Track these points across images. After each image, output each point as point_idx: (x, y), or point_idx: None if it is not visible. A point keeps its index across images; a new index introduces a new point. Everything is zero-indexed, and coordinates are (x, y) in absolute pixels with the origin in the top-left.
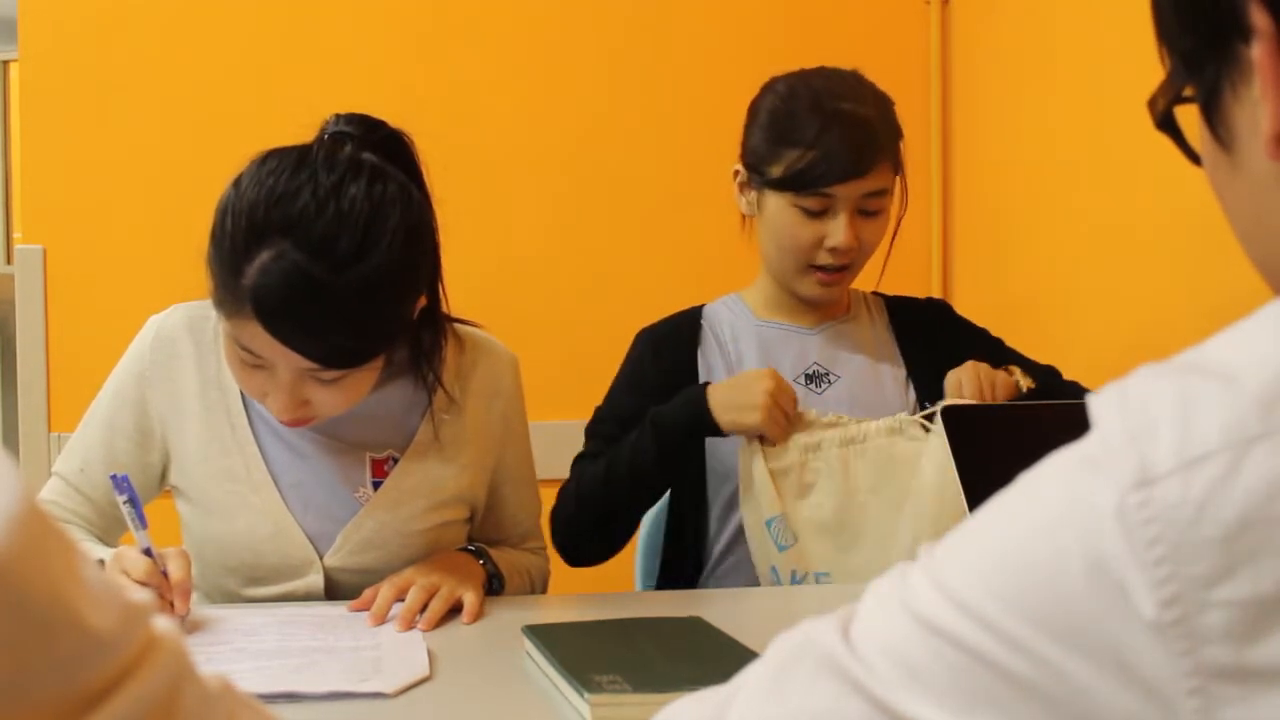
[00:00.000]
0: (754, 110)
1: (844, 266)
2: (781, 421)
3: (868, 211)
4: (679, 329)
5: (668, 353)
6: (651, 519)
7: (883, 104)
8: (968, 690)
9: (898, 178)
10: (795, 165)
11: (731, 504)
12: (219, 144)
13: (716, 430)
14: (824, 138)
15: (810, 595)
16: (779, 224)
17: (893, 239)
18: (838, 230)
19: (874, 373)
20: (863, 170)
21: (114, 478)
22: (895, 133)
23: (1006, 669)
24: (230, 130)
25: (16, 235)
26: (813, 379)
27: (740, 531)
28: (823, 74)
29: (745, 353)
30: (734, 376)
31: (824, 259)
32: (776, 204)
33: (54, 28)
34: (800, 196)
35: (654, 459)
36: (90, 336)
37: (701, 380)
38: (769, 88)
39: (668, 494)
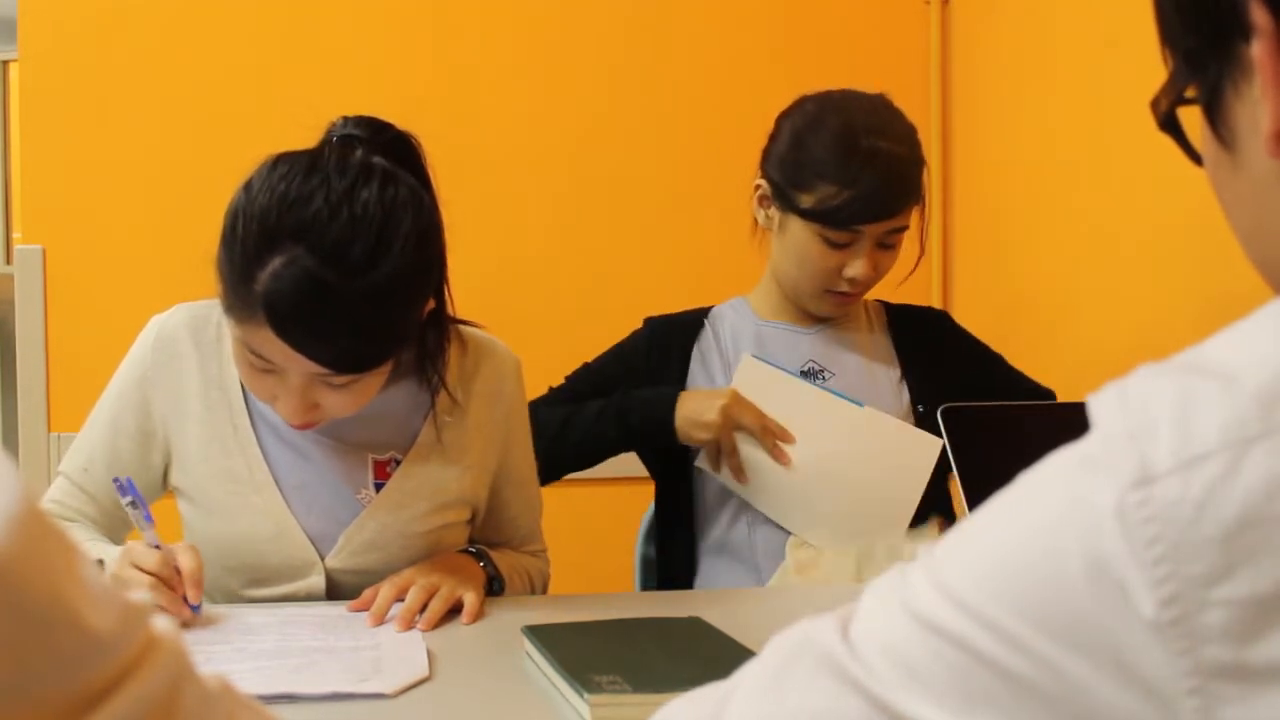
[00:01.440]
0: (782, 131)
1: (860, 291)
2: (730, 441)
3: (887, 244)
4: (682, 322)
5: (665, 341)
6: (649, 520)
7: (912, 137)
8: (967, 690)
9: (918, 207)
10: (828, 201)
11: (720, 498)
12: (219, 144)
13: (674, 438)
14: (860, 179)
15: (810, 595)
16: (802, 250)
17: (917, 262)
18: (858, 263)
19: (869, 371)
20: (894, 212)
21: (116, 481)
22: (921, 166)
23: (1006, 668)
24: (230, 130)
25: (16, 235)
26: (808, 376)
27: (731, 524)
28: (854, 102)
29: (743, 351)
30: (706, 390)
31: (842, 286)
32: (802, 231)
33: (54, 28)
34: (828, 229)
35: (610, 442)
36: (90, 336)
37: (691, 372)
38: (798, 108)
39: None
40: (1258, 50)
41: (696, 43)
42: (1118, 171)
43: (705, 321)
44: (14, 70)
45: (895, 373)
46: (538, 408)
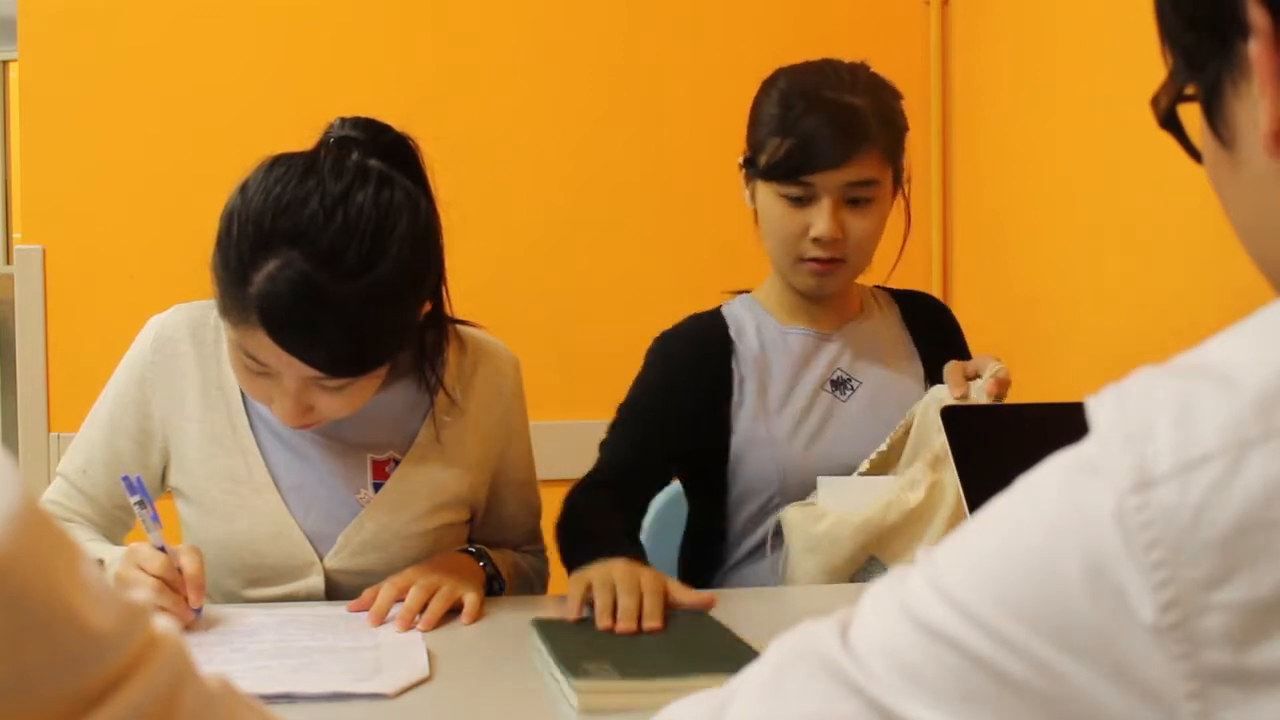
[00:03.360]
0: (754, 103)
1: (835, 259)
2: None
3: (855, 200)
4: (709, 335)
5: (702, 358)
6: (652, 520)
7: (878, 94)
8: (965, 693)
9: (899, 191)
10: (775, 154)
11: (755, 519)
12: (219, 143)
13: None
14: (801, 125)
15: (814, 595)
16: (767, 213)
17: (902, 248)
18: (820, 219)
19: (894, 377)
20: (840, 159)
21: (125, 479)
22: (890, 123)
23: (1004, 672)
24: (230, 130)
25: (16, 235)
26: (837, 385)
27: (761, 542)
28: (821, 66)
29: (774, 363)
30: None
31: (811, 250)
32: (765, 193)
33: (54, 28)
34: (783, 185)
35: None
36: (90, 336)
37: (735, 389)
38: (770, 81)
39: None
40: (1255, 49)
41: (696, 43)
42: (1118, 171)
43: (730, 332)
44: (14, 70)
45: (918, 370)
46: (583, 494)
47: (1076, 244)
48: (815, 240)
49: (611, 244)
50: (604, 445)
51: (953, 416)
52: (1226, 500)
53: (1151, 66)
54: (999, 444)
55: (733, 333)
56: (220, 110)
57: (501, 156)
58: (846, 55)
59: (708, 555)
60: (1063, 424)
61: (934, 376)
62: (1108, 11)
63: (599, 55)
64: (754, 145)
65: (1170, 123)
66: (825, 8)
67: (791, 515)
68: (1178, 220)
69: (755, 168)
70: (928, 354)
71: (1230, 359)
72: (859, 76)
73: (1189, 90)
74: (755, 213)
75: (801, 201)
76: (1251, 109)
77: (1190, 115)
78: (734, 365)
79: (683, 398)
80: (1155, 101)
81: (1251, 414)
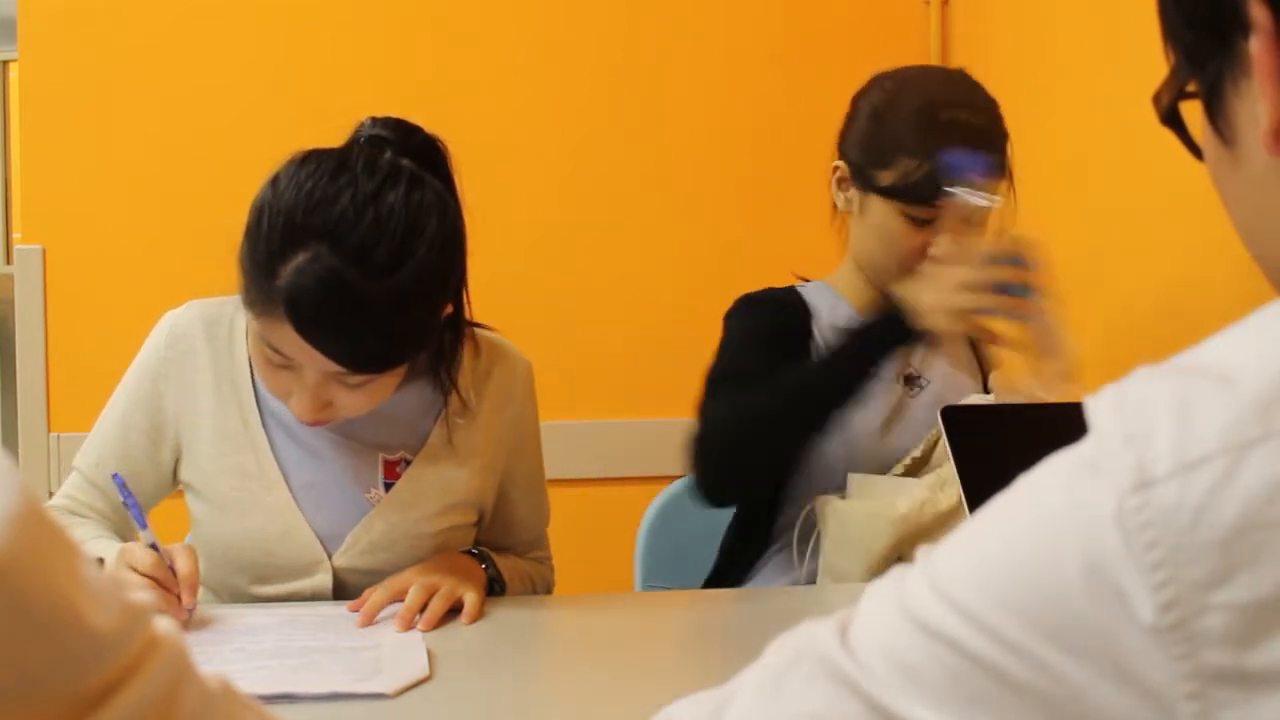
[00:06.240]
0: (859, 110)
1: None
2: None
3: (975, 220)
4: (792, 307)
5: (786, 327)
6: (654, 518)
7: (993, 109)
8: (965, 694)
9: (1004, 182)
10: (910, 176)
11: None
12: (219, 144)
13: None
14: (940, 150)
15: (846, 593)
16: (884, 230)
17: None
18: (943, 241)
19: (956, 380)
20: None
21: (116, 478)
22: (1005, 139)
23: (1004, 672)
24: (231, 130)
25: (16, 235)
26: (909, 381)
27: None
28: (932, 76)
29: None
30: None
31: (926, 267)
32: (883, 210)
33: (54, 28)
34: (910, 206)
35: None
36: (90, 336)
37: (813, 358)
38: (875, 86)
39: None
40: (1255, 47)
41: (696, 44)
42: (1118, 171)
43: (809, 312)
44: (14, 70)
45: (976, 380)
46: (730, 404)
47: (1077, 244)
48: (933, 260)
49: (614, 244)
50: (702, 408)
51: (952, 416)
52: (1226, 500)
53: (1152, 65)
54: (999, 444)
55: (811, 312)
56: (220, 110)
57: (503, 157)
58: (847, 55)
59: (754, 539)
60: (1062, 424)
61: (986, 390)
62: (1108, 11)
63: (599, 55)
64: (871, 159)
65: (1172, 120)
66: (825, 7)
67: (828, 506)
68: (1178, 220)
69: (868, 180)
70: (985, 363)
71: (1230, 358)
72: (977, 91)
73: (1190, 88)
74: (838, 211)
75: (924, 222)
76: (1252, 107)
77: (1192, 113)
78: (813, 344)
79: (773, 349)
80: (1157, 99)
81: (1251, 413)
